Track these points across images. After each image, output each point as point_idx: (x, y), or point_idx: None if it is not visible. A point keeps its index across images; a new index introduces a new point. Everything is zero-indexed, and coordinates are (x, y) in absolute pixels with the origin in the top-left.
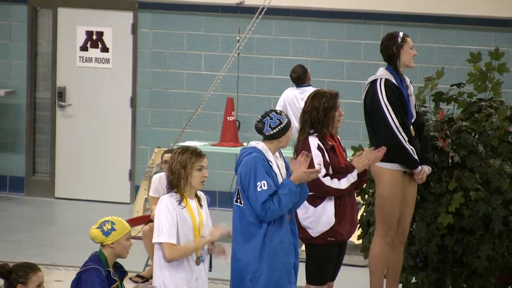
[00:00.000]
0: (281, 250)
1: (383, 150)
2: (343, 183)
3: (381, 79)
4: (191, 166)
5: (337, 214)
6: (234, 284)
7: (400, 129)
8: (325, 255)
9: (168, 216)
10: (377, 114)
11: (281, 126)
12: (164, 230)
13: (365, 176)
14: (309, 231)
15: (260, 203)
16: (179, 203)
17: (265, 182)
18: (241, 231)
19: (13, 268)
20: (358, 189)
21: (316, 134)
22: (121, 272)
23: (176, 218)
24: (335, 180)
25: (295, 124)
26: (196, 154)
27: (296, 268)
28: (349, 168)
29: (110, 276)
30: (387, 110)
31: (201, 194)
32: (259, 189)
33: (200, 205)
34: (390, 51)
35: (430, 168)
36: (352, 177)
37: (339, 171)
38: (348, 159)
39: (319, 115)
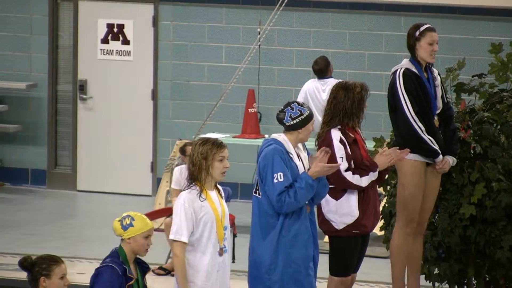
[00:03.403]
0: (299, 242)
1: (406, 151)
2: (364, 181)
3: (401, 68)
4: (212, 157)
5: (360, 207)
6: (251, 275)
7: (416, 119)
8: (349, 247)
9: (182, 215)
10: (396, 104)
11: (302, 117)
12: (177, 228)
13: (386, 172)
14: (333, 223)
15: (276, 195)
16: (199, 196)
17: (281, 173)
18: (259, 223)
19: (36, 260)
20: (378, 183)
21: (338, 127)
22: (143, 268)
23: (194, 215)
24: (357, 176)
25: (317, 116)
26: (217, 145)
27: (316, 261)
28: (372, 167)
29: (126, 274)
30: (403, 100)
31: (218, 186)
32: (275, 181)
33: (220, 195)
34: (409, 43)
35: (455, 159)
36: (373, 176)
37: (361, 167)
38: (369, 152)
39: (353, 105)
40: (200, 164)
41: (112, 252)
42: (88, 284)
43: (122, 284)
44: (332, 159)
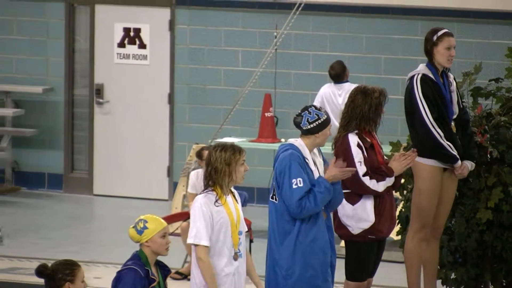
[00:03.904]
0: (316, 247)
1: (414, 153)
2: (381, 186)
3: (418, 74)
4: (235, 162)
5: (376, 212)
6: (268, 281)
7: (435, 125)
8: (365, 252)
9: (201, 218)
10: (413, 109)
11: (319, 121)
12: (197, 232)
13: (401, 177)
14: (349, 228)
15: (296, 200)
16: (216, 201)
17: (300, 179)
18: (276, 228)
19: (57, 267)
20: (394, 188)
21: (356, 131)
22: (164, 271)
23: (211, 218)
24: (374, 181)
25: (333, 121)
26: (238, 150)
27: (333, 266)
28: (389, 172)
29: (149, 275)
30: (421, 105)
31: (233, 190)
32: (294, 186)
33: (236, 200)
34: (426, 48)
35: (473, 164)
36: (389, 181)
37: (378, 172)
38: (385, 156)
39: (371, 110)
40: (224, 170)
41: (133, 255)
42: None
43: (145, 286)
44: (350, 163)
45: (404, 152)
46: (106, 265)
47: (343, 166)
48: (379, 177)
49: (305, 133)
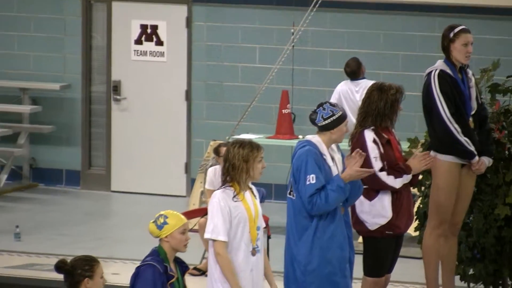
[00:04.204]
0: (334, 243)
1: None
2: (398, 182)
3: (435, 70)
4: (253, 159)
5: (394, 208)
6: (287, 276)
7: (452, 120)
8: (383, 248)
9: (219, 213)
10: (431, 105)
11: (334, 117)
12: (214, 227)
13: (418, 175)
14: (366, 224)
15: (307, 197)
16: (234, 197)
17: (313, 176)
18: (294, 224)
19: (76, 263)
20: (411, 186)
21: (372, 127)
22: (183, 267)
23: (229, 213)
24: (391, 177)
25: (351, 117)
26: (256, 146)
27: (352, 262)
28: (406, 169)
29: (167, 271)
30: (439, 101)
31: (251, 185)
32: (307, 183)
33: (254, 195)
34: (443, 44)
35: (490, 160)
36: (406, 178)
37: (395, 169)
38: (403, 152)
39: (386, 106)
40: (242, 166)
41: (152, 251)
42: (123, 285)
43: (163, 282)
44: (366, 159)
45: (427, 152)
46: (124, 261)
47: (360, 158)
48: (397, 174)
49: (321, 129)
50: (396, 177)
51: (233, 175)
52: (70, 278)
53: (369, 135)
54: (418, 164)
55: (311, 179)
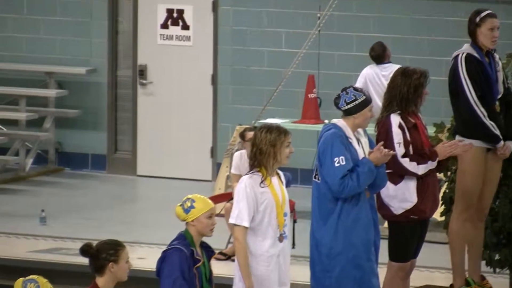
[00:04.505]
0: (358, 226)
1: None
2: (421, 169)
3: (462, 53)
4: (280, 144)
5: (419, 192)
6: (312, 260)
7: (478, 103)
8: (408, 232)
9: (244, 199)
10: (458, 89)
11: (356, 102)
12: (239, 213)
13: (447, 162)
14: (391, 208)
15: (338, 178)
16: (261, 183)
17: (343, 157)
18: (318, 208)
19: (101, 246)
20: (437, 171)
21: (398, 111)
22: (209, 252)
23: (255, 200)
24: (414, 163)
25: (377, 102)
26: (283, 131)
27: (377, 246)
28: (432, 156)
29: (194, 255)
30: (466, 85)
31: (279, 171)
32: (336, 165)
33: (281, 181)
34: (469, 29)
35: None
36: (431, 165)
37: (421, 154)
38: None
39: (409, 91)
40: (269, 151)
41: (178, 235)
42: (149, 269)
43: (190, 266)
44: (389, 144)
45: (457, 141)
46: (150, 245)
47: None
48: (420, 160)
49: (344, 113)
50: (419, 163)
51: (260, 160)
52: (95, 262)
53: (395, 120)
54: (444, 150)
55: (341, 160)
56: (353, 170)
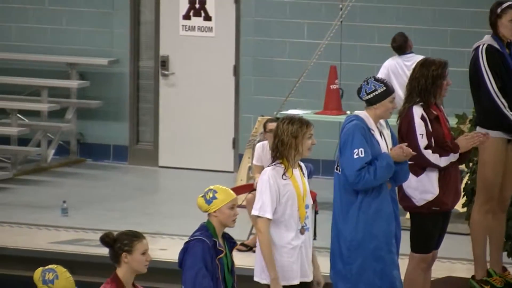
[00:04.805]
0: (379, 218)
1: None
2: (443, 161)
3: (483, 45)
4: (302, 136)
5: (440, 184)
6: (333, 252)
7: (499, 94)
8: (429, 224)
9: (268, 191)
10: (478, 80)
11: (376, 93)
12: (262, 204)
13: (469, 154)
14: (413, 200)
15: (356, 170)
16: (283, 175)
17: (362, 149)
18: (340, 199)
19: (118, 236)
20: (460, 163)
21: (421, 103)
22: (231, 243)
23: (278, 191)
24: (436, 155)
25: (400, 93)
26: (305, 123)
27: (398, 237)
28: (454, 148)
29: (216, 246)
30: (486, 76)
31: (301, 163)
32: (355, 156)
33: (303, 173)
34: (490, 20)
35: None
36: (453, 157)
37: (443, 147)
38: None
39: (428, 82)
40: (290, 142)
41: (200, 226)
42: (171, 260)
43: (212, 257)
44: (411, 135)
45: (479, 133)
46: (171, 236)
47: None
48: (443, 152)
49: (366, 104)
50: (441, 156)
51: (281, 151)
52: (111, 251)
53: (417, 111)
54: (466, 142)
55: (360, 152)
56: (372, 163)
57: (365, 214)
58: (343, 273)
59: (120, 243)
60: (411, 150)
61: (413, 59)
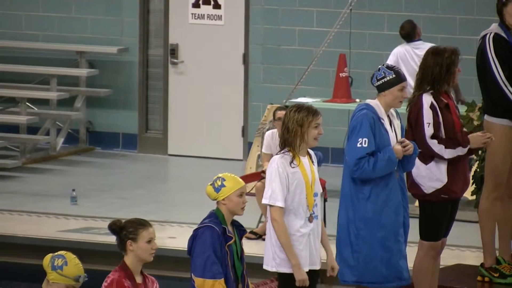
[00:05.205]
0: (388, 208)
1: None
2: (447, 153)
3: (490, 33)
4: (308, 124)
5: (449, 172)
6: (339, 240)
7: (506, 83)
8: (438, 212)
9: (277, 179)
10: (485, 68)
11: (384, 79)
12: (272, 193)
13: (479, 149)
14: (422, 188)
15: (356, 158)
16: (291, 162)
17: (366, 139)
18: (348, 187)
19: (125, 224)
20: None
21: (431, 91)
22: (240, 231)
23: (287, 179)
24: (442, 146)
25: (409, 80)
26: (313, 112)
27: (406, 227)
28: (463, 142)
29: (226, 233)
30: (494, 64)
31: (310, 151)
32: (358, 145)
33: (312, 161)
34: (497, 8)
35: None
36: (460, 151)
37: (453, 139)
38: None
39: (442, 70)
40: (296, 130)
41: (210, 213)
42: (180, 248)
43: (222, 244)
44: (419, 123)
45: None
46: (180, 224)
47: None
48: (449, 144)
49: (377, 90)
50: (446, 147)
51: (287, 139)
52: (118, 239)
53: (427, 99)
54: (478, 140)
55: (364, 142)
56: (374, 154)
57: (373, 203)
58: (350, 261)
59: (126, 231)
60: (411, 147)
61: (422, 47)
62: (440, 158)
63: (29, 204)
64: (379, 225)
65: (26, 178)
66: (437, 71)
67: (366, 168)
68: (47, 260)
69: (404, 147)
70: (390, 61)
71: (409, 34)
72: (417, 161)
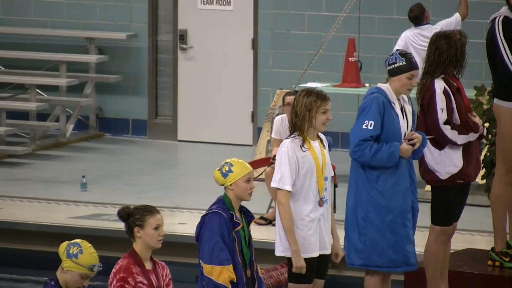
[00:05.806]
0: (395, 192)
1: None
2: (460, 139)
3: (500, 16)
4: (316, 109)
5: (464, 156)
6: (347, 223)
7: None
8: (452, 197)
9: (287, 163)
10: (495, 52)
11: (395, 65)
12: (281, 177)
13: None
14: (437, 173)
15: (359, 139)
16: (302, 146)
17: (373, 122)
18: (357, 172)
19: (133, 211)
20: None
21: (442, 76)
22: (248, 217)
23: (297, 163)
24: (455, 132)
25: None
26: (321, 97)
27: (415, 211)
28: (475, 129)
29: (233, 219)
30: (503, 47)
31: (321, 135)
32: (363, 127)
33: (323, 145)
34: None
35: None
36: (472, 137)
37: (464, 125)
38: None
39: (457, 53)
40: (304, 115)
41: (217, 199)
42: (190, 234)
43: (229, 229)
44: (432, 109)
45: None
46: (190, 210)
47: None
48: (462, 130)
49: (388, 74)
50: (460, 133)
51: (295, 123)
52: (126, 226)
53: (439, 85)
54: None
55: (370, 125)
56: (379, 142)
57: (382, 187)
58: (357, 244)
59: (133, 217)
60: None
61: (429, 30)
62: (453, 144)
63: (39, 191)
64: (387, 209)
65: (36, 164)
66: (452, 53)
67: (367, 153)
68: (63, 247)
69: (410, 140)
70: (399, 45)
71: (417, 17)
72: (431, 147)
